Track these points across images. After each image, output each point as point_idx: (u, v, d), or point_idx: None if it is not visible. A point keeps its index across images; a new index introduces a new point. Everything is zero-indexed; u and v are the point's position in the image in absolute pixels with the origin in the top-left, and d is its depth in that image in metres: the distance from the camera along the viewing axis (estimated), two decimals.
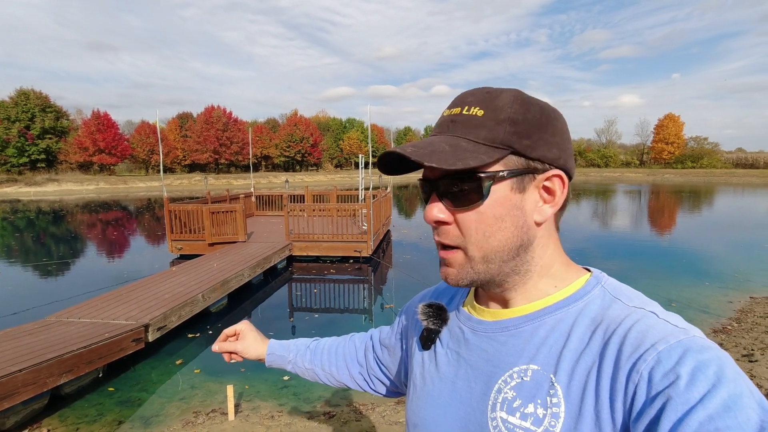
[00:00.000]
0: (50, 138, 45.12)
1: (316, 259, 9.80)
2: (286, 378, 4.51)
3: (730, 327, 5.65)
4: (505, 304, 0.61)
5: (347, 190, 16.88)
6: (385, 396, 0.97)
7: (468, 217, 0.56)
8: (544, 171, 0.56)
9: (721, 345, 4.88)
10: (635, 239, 12.90)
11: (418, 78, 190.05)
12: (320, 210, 11.33)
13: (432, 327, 0.69)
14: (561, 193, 0.57)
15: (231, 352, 1.00)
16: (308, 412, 3.87)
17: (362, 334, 1.01)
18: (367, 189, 11.98)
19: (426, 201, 0.61)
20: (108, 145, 46.42)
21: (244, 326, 1.01)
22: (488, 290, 0.62)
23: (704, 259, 10.04)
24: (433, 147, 0.55)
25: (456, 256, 0.58)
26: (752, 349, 4.75)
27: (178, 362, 4.97)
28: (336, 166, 66.96)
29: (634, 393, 0.45)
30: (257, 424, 3.64)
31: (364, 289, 8.14)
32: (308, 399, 4.13)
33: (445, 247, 0.59)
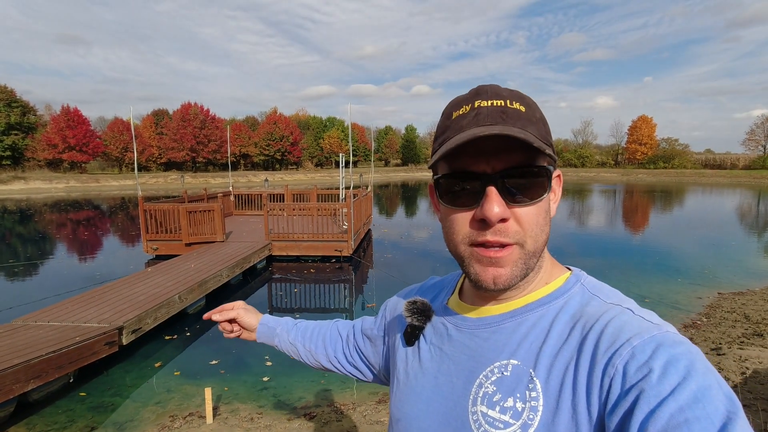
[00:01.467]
0: (16, 134, 43.35)
1: (297, 258, 9.71)
2: (265, 379, 4.45)
3: (699, 322, 5.86)
4: (497, 301, 0.62)
5: (328, 189, 16.78)
6: (360, 380, 0.98)
7: (528, 211, 0.55)
8: (554, 169, 0.60)
9: (691, 339, 5.04)
10: (609, 237, 13.25)
11: (398, 77, 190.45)
12: (300, 209, 11.22)
13: (416, 324, 0.70)
14: (559, 192, 0.62)
15: (230, 320, 1.02)
16: (288, 414, 3.82)
17: (346, 321, 1.02)
18: (347, 188, 11.94)
19: (448, 199, 0.58)
20: (79, 142, 44.92)
21: (240, 302, 1.06)
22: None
23: (675, 256, 10.38)
24: (511, 131, 0.52)
25: (512, 254, 0.55)
26: (720, 343, 4.93)
27: (156, 365, 4.84)
28: (316, 165, 66.51)
29: (610, 386, 0.46)
30: (236, 427, 3.58)
31: (345, 288, 8.11)
32: (288, 400, 4.08)
33: (498, 246, 0.55)
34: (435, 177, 0.61)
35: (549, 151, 0.53)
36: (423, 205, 25.20)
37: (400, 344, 0.75)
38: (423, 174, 63.32)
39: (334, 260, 9.53)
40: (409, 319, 0.71)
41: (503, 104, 0.55)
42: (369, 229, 13.19)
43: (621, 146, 68.44)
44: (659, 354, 0.45)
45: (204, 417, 3.71)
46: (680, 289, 7.51)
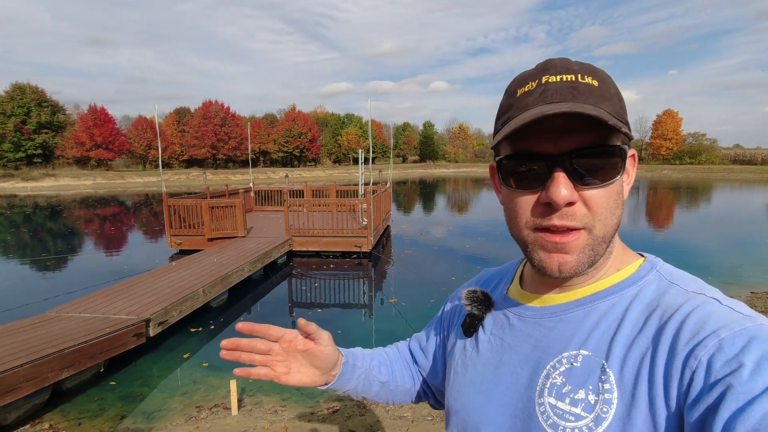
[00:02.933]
0: (46, 133, 44.86)
1: (317, 254, 9.78)
2: None
3: None
4: (561, 288, 0.59)
5: (346, 185, 16.84)
6: (430, 404, 0.90)
7: (598, 194, 0.52)
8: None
9: None
10: (632, 235, 12.92)
11: (416, 74, 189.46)
12: (320, 205, 11.28)
13: (476, 313, 0.68)
14: (633, 172, 0.58)
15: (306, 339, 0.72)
16: (311, 407, 3.86)
17: (401, 343, 0.95)
18: (366, 184, 11.95)
19: (511, 181, 0.55)
20: (105, 140, 46.22)
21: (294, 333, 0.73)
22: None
23: (704, 254, 10.07)
24: (582, 109, 0.48)
25: (578, 239, 0.52)
26: None
27: (185, 356, 4.96)
28: (334, 162, 66.82)
29: (691, 379, 0.43)
30: (260, 419, 3.63)
31: (364, 284, 8.13)
32: (311, 394, 4.12)
33: (563, 230, 0.52)
34: (497, 158, 0.58)
35: (625, 129, 0.49)
36: (441, 201, 25.08)
37: (457, 336, 0.73)
38: (441, 170, 62.98)
39: (355, 256, 9.56)
40: (468, 308, 0.69)
41: (573, 79, 0.51)
42: (388, 226, 13.19)
43: (645, 141, 66.65)
44: (752, 348, 0.41)
45: (229, 408, 3.77)
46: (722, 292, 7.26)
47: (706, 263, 9.00)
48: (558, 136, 0.51)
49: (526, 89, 0.53)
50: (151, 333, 4.99)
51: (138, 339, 4.80)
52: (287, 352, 0.70)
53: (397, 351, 0.92)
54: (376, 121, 68.61)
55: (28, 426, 3.62)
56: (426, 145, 72.72)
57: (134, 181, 42.70)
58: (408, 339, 0.94)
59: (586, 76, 0.52)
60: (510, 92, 0.56)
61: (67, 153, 46.09)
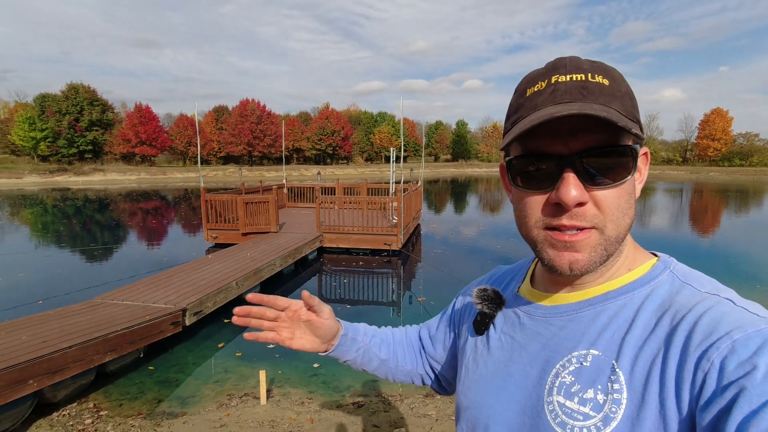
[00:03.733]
0: (97, 130, 47.48)
1: (347, 251, 9.90)
2: (316, 365, 4.59)
3: None
4: (572, 287, 0.59)
5: (377, 183, 16.92)
6: (432, 388, 0.94)
7: (609, 194, 0.51)
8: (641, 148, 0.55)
9: None
10: (673, 239, 12.33)
11: (450, 72, 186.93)
12: (351, 202, 11.40)
13: (486, 311, 0.69)
14: (646, 171, 0.57)
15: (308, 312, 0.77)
16: (337, 401, 3.92)
17: (411, 328, 0.98)
18: (397, 182, 11.97)
19: (521, 181, 0.55)
20: (149, 137, 48.43)
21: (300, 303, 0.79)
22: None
23: (752, 261, 9.48)
24: (591, 110, 0.48)
25: (589, 238, 0.52)
26: None
27: (220, 345, 5.16)
28: (366, 160, 67.20)
29: (703, 381, 0.42)
30: (288, 410, 3.73)
31: (393, 281, 8.16)
32: (337, 388, 4.19)
33: (574, 230, 0.52)
34: (507, 158, 0.58)
35: (635, 129, 0.49)
36: (473, 201, 24.76)
37: (469, 333, 0.74)
38: (474, 170, 62.15)
39: (386, 253, 9.61)
40: (479, 306, 0.70)
41: (584, 78, 0.51)
42: (418, 224, 13.17)
43: (690, 142, 63.29)
44: (766, 350, 0.40)
45: (258, 398, 3.90)
46: (758, 297, 6.85)
47: (753, 271, 8.48)
48: (568, 136, 0.51)
49: (536, 89, 0.53)
50: (187, 322, 5.22)
51: (175, 327, 5.03)
52: (292, 320, 0.77)
53: (405, 334, 0.95)
54: (408, 120, 68.47)
55: (75, 404, 3.88)
56: (459, 144, 71.91)
57: (174, 177, 44.55)
58: (420, 325, 0.97)
59: (596, 75, 0.51)
60: (520, 92, 0.56)
61: (115, 149, 48.63)
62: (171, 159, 56.54)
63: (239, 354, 4.93)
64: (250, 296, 0.72)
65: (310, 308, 0.77)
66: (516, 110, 0.56)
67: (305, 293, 0.75)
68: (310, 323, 0.77)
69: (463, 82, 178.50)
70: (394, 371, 0.91)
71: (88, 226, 15.06)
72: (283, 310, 0.76)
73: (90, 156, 47.87)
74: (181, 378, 4.42)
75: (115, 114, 51.90)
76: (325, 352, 0.82)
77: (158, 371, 4.54)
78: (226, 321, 5.84)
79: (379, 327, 0.97)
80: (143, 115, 48.69)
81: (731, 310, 0.46)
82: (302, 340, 0.78)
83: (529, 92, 0.54)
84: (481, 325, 0.69)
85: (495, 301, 0.69)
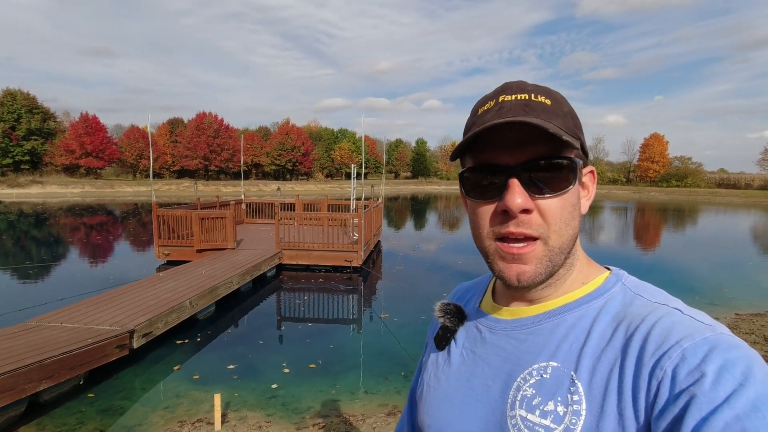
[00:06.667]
0: (36, 139, 44.42)
1: (307, 267, 9.71)
2: (274, 386, 4.42)
3: None
4: (531, 301, 0.61)
5: (338, 199, 16.84)
6: None
7: (552, 204, 0.54)
8: (585, 166, 0.59)
9: None
10: (620, 255, 13.05)
11: (412, 92, 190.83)
12: (311, 219, 11.26)
13: (448, 324, 0.69)
14: (593, 189, 0.62)
15: None
16: (297, 423, 3.78)
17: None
18: (358, 199, 11.97)
19: (473, 193, 0.59)
20: (95, 148, 45.86)
21: None
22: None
23: (690, 275, 10.20)
24: (529, 119, 0.52)
25: (535, 250, 0.54)
26: None
27: (176, 368, 4.86)
28: (327, 176, 66.92)
29: (657, 390, 0.44)
30: None
31: (353, 299, 8.07)
32: (297, 409, 4.04)
33: (521, 240, 0.55)
34: (460, 171, 0.61)
35: (567, 137, 0.51)
36: (433, 218, 25.17)
37: (431, 348, 0.73)
38: (433, 187, 63.33)
39: (346, 270, 9.51)
40: (441, 320, 0.70)
41: (527, 98, 0.55)
42: (379, 241, 13.18)
43: (633, 164, 67.85)
44: (713, 357, 0.42)
45: (212, 423, 3.69)
46: (698, 308, 7.33)
47: (693, 285, 9.11)
48: (513, 148, 0.55)
49: (486, 108, 0.58)
50: (135, 345, 4.89)
51: (121, 351, 4.70)
52: None
53: None
54: (369, 137, 69.07)
55: None
56: (418, 162, 73.24)
57: (124, 191, 42.26)
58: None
59: (539, 96, 0.56)
60: (473, 112, 0.61)
61: (56, 160, 45.56)
62: (120, 172, 53.78)
63: (196, 377, 4.66)
64: None
65: None
66: (469, 127, 0.59)
67: None
68: None
69: (423, 102, 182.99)
70: None
71: (22, 242, 13.93)
72: None
73: (27, 167, 44.53)
74: (127, 405, 4.11)
75: (57, 123, 48.85)
76: None
77: (100, 399, 4.20)
78: (179, 342, 5.53)
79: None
80: (89, 125, 46.15)
81: (680, 319, 0.49)
82: None
83: (480, 111, 0.58)
84: (443, 339, 0.69)
85: (456, 314, 0.70)
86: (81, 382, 4.38)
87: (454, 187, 62.84)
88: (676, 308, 0.51)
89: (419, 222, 22.76)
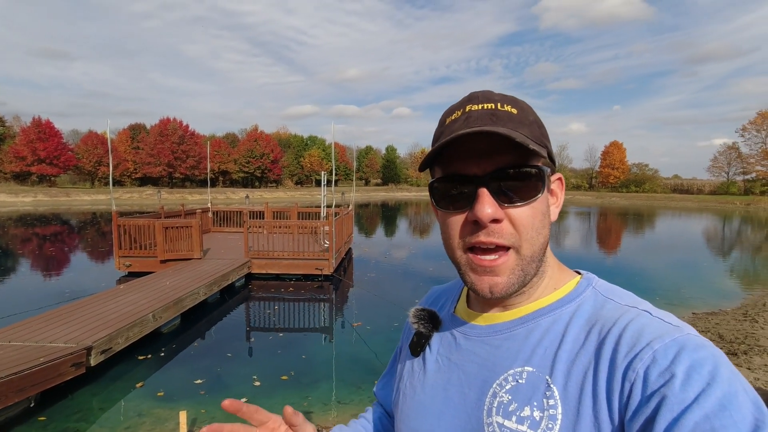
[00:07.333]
0: None
1: (277, 276, 9.51)
2: (243, 400, 4.24)
3: None
4: (504, 307, 0.60)
5: (308, 207, 16.65)
6: None
7: (523, 212, 0.54)
8: (553, 173, 0.60)
9: None
10: (583, 257, 13.51)
11: (381, 99, 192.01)
12: (281, 227, 11.07)
13: (422, 330, 0.68)
14: (562, 196, 0.62)
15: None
16: None
17: (370, 409, 0.89)
18: (329, 206, 11.87)
19: (443, 203, 0.58)
20: (49, 154, 43.62)
21: (279, 420, 0.64)
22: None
23: (649, 276, 10.65)
24: (496, 129, 0.52)
25: (507, 261, 0.54)
26: None
27: (138, 385, 4.62)
28: (296, 183, 66.21)
29: (630, 391, 0.45)
30: None
31: (325, 307, 7.95)
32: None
33: (491, 250, 0.54)
34: (430, 181, 0.61)
35: (534, 146, 0.52)
36: (403, 224, 25.28)
37: (405, 356, 0.72)
38: (404, 194, 63.77)
39: (317, 279, 9.37)
40: (415, 326, 0.69)
41: (494, 107, 0.56)
42: (350, 248, 13.09)
43: (595, 170, 70.77)
44: (681, 358, 0.44)
45: None
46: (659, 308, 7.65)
47: (652, 286, 9.51)
48: (481, 158, 0.55)
49: (453, 117, 0.58)
50: (93, 362, 4.61)
51: (77, 369, 4.41)
52: None
53: (367, 424, 0.84)
54: (339, 144, 68.97)
55: None
56: (389, 169, 73.68)
57: (81, 199, 40.27)
58: (374, 394, 0.88)
59: (505, 105, 0.57)
60: (441, 121, 0.61)
61: (5, 167, 43.00)
62: (77, 180, 51.33)
63: (161, 393, 4.43)
64: (225, 403, 0.57)
65: (291, 427, 0.64)
66: (438, 137, 0.60)
67: (288, 409, 0.63)
68: None
69: (392, 109, 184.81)
70: None
71: None
72: (259, 425, 0.62)
73: None
74: (83, 427, 3.85)
75: (6, 128, 46.19)
76: None
77: (53, 421, 3.92)
78: (141, 358, 5.26)
79: (365, 413, 0.86)
80: (42, 130, 43.88)
81: (649, 321, 0.50)
82: None
83: (447, 121, 0.59)
84: (417, 345, 0.69)
85: (430, 320, 0.69)
86: (32, 405, 4.07)
87: (425, 194, 63.52)
88: (645, 310, 0.52)
89: (390, 229, 22.81)
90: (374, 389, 0.89)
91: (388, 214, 32.03)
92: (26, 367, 3.93)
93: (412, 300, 8.12)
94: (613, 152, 65.36)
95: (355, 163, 19.38)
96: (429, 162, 0.58)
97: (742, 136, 58.61)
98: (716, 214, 36.20)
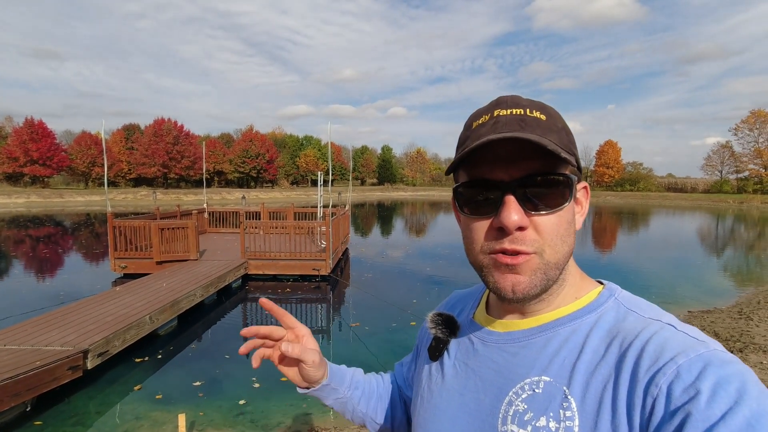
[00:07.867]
0: None
1: (274, 277, 9.48)
2: (242, 402, 4.25)
3: None
4: (523, 314, 0.60)
5: (304, 207, 16.62)
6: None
7: (548, 220, 0.54)
8: (579, 181, 0.59)
9: None
10: (578, 257, 13.57)
11: (376, 99, 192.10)
12: (277, 227, 11.03)
13: (440, 336, 0.69)
14: (586, 204, 0.61)
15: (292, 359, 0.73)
16: None
17: (388, 375, 0.93)
18: (325, 206, 11.85)
19: (468, 208, 0.58)
20: (42, 155, 43.25)
21: (305, 330, 0.76)
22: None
23: (645, 275, 10.71)
24: (525, 135, 0.51)
25: (530, 261, 0.53)
26: None
27: (136, 388, 4.59)
28: (292, 183, 66.05)
29: (653, 407, 0.44)
30: None
31: (322, 308, 7.94)
32: (266, 426, 3.90)
33: (515, 254, 0.54)
34: (454, 186, 0.60)
35: (564, 154, 0.51)
36: (400, 224, 25.29)
37: (424, 361, 0.73)
38: (399, 193, 63.77)
39: (314, 279, 9.35)
40: (433, 331, 0.70)
41: (522, 113, 0.55)
42: (347, 248, 13.07)
43: (590, 169, 71.04)
44: (707, 374, 0.42)
45: None
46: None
47: (648, 284, 9.57)
48: (508, 164, 0.54)
49: (480, 122, 0.57)
50: (89, 365, 4.58)
51: (73, 372, 4.38)
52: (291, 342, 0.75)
53: (383, 383, 0.90)
54: (335, 144, 68.83)
55: None
56: (384, 169, 73.64)
57: (75, 200, 39.97)
58: (394, 368, 0.93)
59: (534, 111, 0.56)
60: (467, 126, 0.60)
61: None
62: (70, 180, 50.94)
63: (159, 396, 4.40)
64: (262, 300, 0.77)
65: (296, 338, 0.75)
66: (463, 142, 0.59)
67: (262, 300, 0.78)
68: (299, 365, 0.74)
69: (388, 109, 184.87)
70: (371, 425, 0.87)
71: None
72: (286, 330, 0.75)
73: None
74: (80, 431, 3.82)
75: None
76: (305, 389, 0.78)
77: (49, 426, 3.89)
78: (138, 360, 5.23)
79: (366, 372, 0.91)
80: (35, 131, 43.48)
81: (673, 335, 0.48)
82: (287, 369, 0.76)
83: (474, 125, 0.58)
84: (435, 350, 0.69)
85: (449, 325, 0.69)
86: (28, 409, 4.04)
87: (420, 194, 63.58)
88: (669, 324, 0.50)
89: (386, 228, 22.80)
90: (394, 375, 0.92)
91: (385, 214, 32.02)
92: (22, 371, 3.90)
93: (409, 300, 8.14)
94: (607, 151, 65.63)
95: (351, 163, 19.37)
96: (455, 166, 0.58)
97: (735, 135, 59.07)
98: (710, 213, 36.48)
